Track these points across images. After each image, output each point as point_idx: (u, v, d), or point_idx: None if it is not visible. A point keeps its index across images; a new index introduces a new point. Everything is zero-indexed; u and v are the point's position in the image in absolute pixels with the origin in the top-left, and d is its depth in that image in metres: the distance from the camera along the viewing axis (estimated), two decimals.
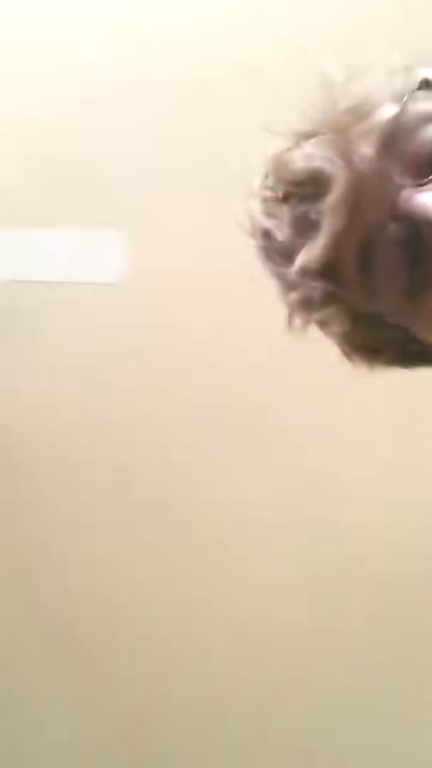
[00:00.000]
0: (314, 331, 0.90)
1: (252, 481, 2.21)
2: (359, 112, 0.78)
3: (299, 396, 2.18)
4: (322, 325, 0.86)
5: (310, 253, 0.78)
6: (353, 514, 2.18)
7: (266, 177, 0.84)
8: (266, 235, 0.83)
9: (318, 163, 0.78)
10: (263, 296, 0.87)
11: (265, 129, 0.85)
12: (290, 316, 0.85)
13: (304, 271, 0.79)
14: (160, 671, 2.28)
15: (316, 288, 0.81)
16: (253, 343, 2.08)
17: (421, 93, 0.79)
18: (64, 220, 2.21)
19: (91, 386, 2.25)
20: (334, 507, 2.18)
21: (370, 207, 0.77)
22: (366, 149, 0.77)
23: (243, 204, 0.86)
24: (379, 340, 0.86)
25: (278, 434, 2.21)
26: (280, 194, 0.81)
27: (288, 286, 0.84)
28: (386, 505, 2.16)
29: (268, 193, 0.83)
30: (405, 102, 0.78)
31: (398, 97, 0.79)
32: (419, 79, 0.80)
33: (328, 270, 0.79)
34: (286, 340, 0.88)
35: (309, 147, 0.79)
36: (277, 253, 0.83)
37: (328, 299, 0.82)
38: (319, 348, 0.89)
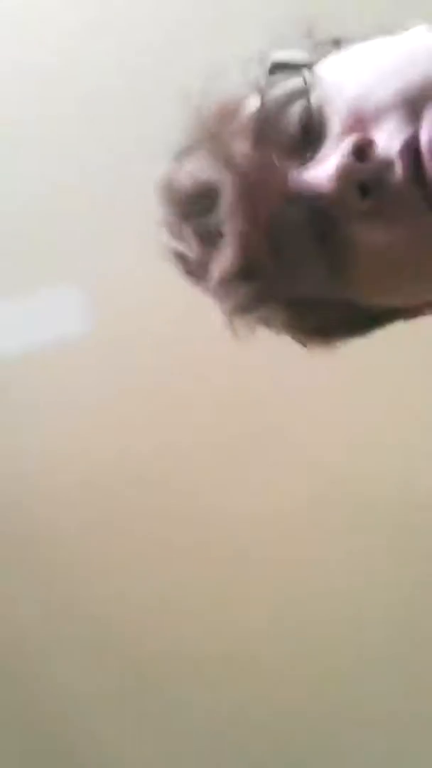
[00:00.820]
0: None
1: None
2: (226, 113, 0.79)
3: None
4: (264, 323, 0.87)
5: (222, 263, 0.79)
6: None
7: (162, 203, 0.84)
8: (180, 257, 0.84)
9: (202, 176, 0.79)
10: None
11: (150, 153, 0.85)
12: (231, 325, 0.86)
13: (223, 281, 0.80)
14: None
15: (242, 292, 0.81)
16: (223, 379, 2.09)
17: (278, 76, 0.79)
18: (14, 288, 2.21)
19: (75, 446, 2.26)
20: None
21: (263, 200, 0.77)
22: (242, 146, 0.77)
23: (155, 235, 0.87)
24: (322, 320, 0.86)
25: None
26: (179, 215, 0.82)
27: (218, 298, 0.84)
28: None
29: (169, 218, 0.84)
30: (264, 89, 0.78)
31: (258, 87, 0.79)
32: (272, 63, 0.80)
33: (245, 272, 0.79)
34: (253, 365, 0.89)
35: (190, 163, 0.80)
36: (196, 272, 0.83)
37: (258, 299, 0.82)
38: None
